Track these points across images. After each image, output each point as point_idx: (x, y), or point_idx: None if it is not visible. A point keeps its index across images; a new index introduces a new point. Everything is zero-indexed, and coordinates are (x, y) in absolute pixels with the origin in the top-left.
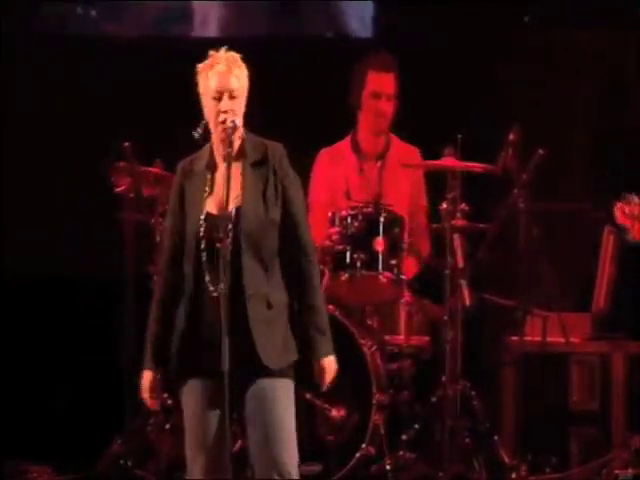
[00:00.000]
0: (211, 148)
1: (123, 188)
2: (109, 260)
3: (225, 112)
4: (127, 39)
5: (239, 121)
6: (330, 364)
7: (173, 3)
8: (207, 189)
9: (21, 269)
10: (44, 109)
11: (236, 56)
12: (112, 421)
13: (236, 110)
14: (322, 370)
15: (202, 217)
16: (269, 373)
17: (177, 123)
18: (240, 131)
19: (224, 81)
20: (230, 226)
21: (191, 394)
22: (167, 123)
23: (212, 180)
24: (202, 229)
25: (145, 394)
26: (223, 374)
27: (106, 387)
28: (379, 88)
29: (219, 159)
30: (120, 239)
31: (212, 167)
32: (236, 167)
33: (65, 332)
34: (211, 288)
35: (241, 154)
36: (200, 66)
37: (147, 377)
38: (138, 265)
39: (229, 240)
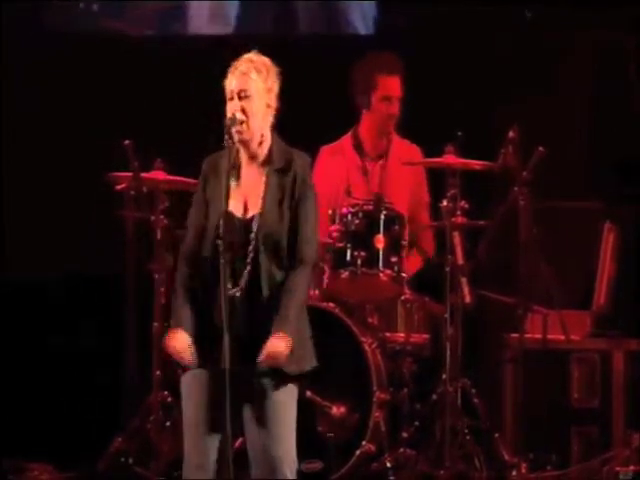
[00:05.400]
0: (237, 149)
1: (124, 186)
2: (110, 258)
3: (235, 111)
4: (129, 37)
5: (239, 115)
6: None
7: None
8: (230, 189)
9: (21, 267)
10: (45, 106)
11: (261, 59)
12: (113, 419)
13: (247, 109)
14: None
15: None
16: (276, 372)
17: (179, 121)
18: (252, 130)
19: (237, 82)
20: (242, 230)
21: (195, 388)
22: (169, 121)
23: (236, 179)
24: (220, 229)
25: (182, 352)
26: (225, 372)
27: (107, 385)
28: (389, 92)
29: (244, 160)
30: (121, 237)
31: (237, 167)
32: (260, 172)
33: (65, 330)
34: (228, 287)
35: (268, 159)
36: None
37: (182, 335)
38: (138, 263)
39: (234, 243)
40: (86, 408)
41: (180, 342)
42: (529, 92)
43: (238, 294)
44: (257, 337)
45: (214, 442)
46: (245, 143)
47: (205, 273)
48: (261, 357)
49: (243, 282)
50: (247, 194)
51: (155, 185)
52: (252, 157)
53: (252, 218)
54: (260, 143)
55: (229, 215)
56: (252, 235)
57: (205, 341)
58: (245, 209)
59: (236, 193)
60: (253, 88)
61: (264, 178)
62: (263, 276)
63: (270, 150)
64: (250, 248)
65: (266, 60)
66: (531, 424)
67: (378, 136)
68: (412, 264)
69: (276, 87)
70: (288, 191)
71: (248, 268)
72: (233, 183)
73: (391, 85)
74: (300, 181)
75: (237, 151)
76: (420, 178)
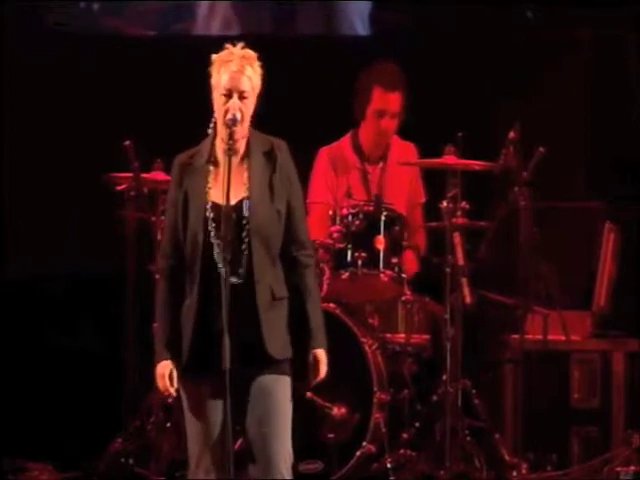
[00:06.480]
0: (212, 142)
1: (124, 186)
2: (110, 258)
3: (235, 111)
4: (129, 36)
5: (239, 115)
6: (323, 356)
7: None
8: (210, 182)
9: (21, 267)
10: (45, 106)
11: (252, 55)
12: (113, 419)
13: (244, 110)
14: (316, 362)
15: (208, 207)
16: (270, 368)
17: (179, 122)
18: (244, 128)
19: (235, 81)
20: (233, 218)
21: (196, 389)
22: (169, 121)
23: (215, 174)
24: (210, 220)
25: (163, 383)
26: (225, 372)
27: (107, 385)
28: (384, 106)
29: (221, 153)
30: (121, 237)
31: (214, 161)
32: (240, 161)
33: (65, 330)
34: (224, 277)
35: (247, 149)
36: (214, 58)
37: (164, 367)
38: (139, 263)
39: (229, 234)
40: (86, 408)
41: (162, 373)
42: (529, 92)
43: (237, 281)
44: (253, 327)
45: (220, 444)
46: (231, 135)
47: (196, 269)
48: (316, 378)
49: (242, 270)
50: (228, 183)
51: (155, 185)
52: (232, 149)
53: (239, 203)
54: (243, 136)
55: (219, 207)
56: (244, 220)
57: (204, 340)
58: (228, 198)
59: (216, 184)
60: (249, 88)
61: (245, 165)
62: (255, 261)
63: (248, 140)
64: (244, 234)
65: (254, 55)
66: (531, 424)
67: (375, 146)
68: (409, 263)
69: (260, 82)
70: (277, 175)
71: (245, 253)
72: (212, 176)
73: (387, 100)
74: (287, 167)
75: (215, 145)
76: (416, 179)
